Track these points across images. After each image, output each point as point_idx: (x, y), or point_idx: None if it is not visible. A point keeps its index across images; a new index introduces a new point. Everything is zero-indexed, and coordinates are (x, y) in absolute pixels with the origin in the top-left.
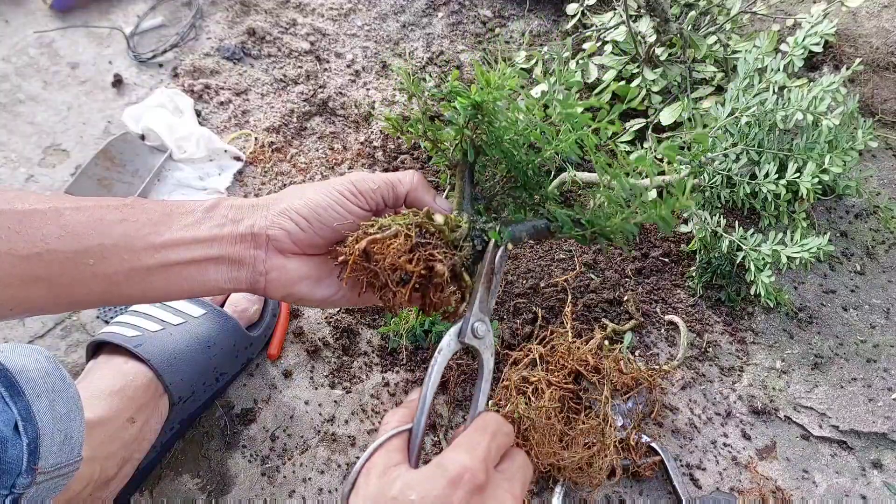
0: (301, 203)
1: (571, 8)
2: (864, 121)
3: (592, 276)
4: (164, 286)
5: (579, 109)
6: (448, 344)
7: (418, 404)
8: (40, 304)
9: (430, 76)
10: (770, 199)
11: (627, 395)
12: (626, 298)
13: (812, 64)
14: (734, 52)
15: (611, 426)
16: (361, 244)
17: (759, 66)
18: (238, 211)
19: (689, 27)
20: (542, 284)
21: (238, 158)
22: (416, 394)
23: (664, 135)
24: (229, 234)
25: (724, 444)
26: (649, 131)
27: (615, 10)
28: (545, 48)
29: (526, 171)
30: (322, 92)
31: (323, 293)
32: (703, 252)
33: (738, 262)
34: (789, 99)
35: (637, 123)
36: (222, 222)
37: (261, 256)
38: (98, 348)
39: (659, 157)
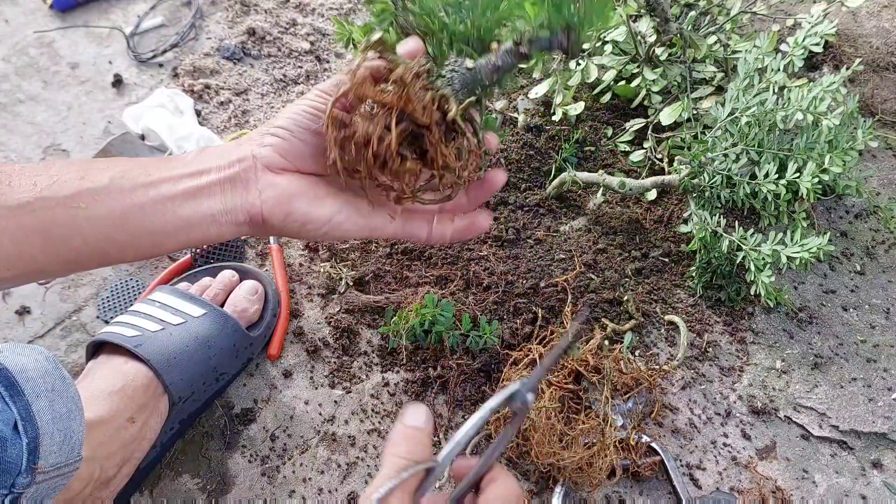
0: (277, 119)
1: None
2: (864, 121)
3: (592, 277)
4: (160, 226)
5: None
6: (497, 403)
7: (423, 439)
8: (36, 262)
9: None
10: (770, 199)
11: (627, 395)
12: (626, 298)
13: (812, 64)
14: (734, 52)
15: (611, 426)
16: (337, 90)
17: (759, 66)
18: (225, 148)
19: (689, 27)
20: (542, 284)
21: None
22: (414, 417)
23: (664, 135)
24: (217, 164)
25: (724, 444)
26: (649, 131)
27: (615, 9)
28: None
29: (469, 34)
30: None
31: (324, 211)
32: (703, 252)
33: (738, 262)
34: (789, 99)
35: (637, 123)
36: (210, 156)
37: (252, 176)
38: (98, 348)
39: (658, 156)
